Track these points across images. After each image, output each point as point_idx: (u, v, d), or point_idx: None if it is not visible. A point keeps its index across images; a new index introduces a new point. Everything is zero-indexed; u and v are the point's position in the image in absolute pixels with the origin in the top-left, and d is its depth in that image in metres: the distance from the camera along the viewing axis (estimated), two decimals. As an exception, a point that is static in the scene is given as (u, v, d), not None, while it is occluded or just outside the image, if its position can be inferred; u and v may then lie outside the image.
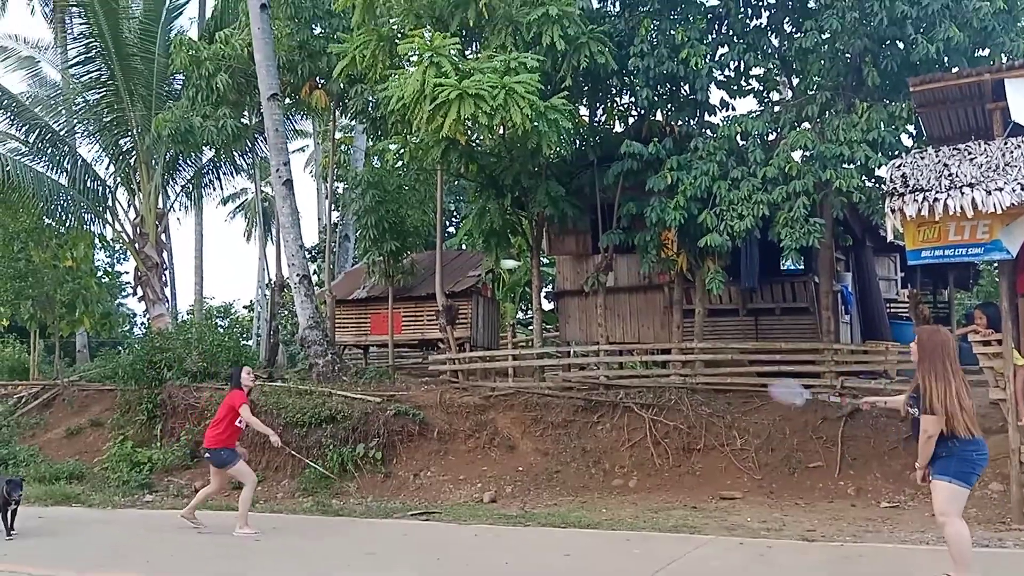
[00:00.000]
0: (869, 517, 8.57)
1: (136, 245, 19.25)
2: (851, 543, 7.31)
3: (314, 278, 18.57)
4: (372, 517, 9.81)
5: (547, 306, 18.83)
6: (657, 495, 10.14)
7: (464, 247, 20.32)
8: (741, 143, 11.76)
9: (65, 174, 19.61)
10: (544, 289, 17.82)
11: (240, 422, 8.69)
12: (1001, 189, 7.83)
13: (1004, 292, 8.37)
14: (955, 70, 10.11)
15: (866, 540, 7.46)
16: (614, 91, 13.64)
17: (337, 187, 20.76)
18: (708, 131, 12.43)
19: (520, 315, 23.68)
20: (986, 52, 10.84)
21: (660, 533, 8.12)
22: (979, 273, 19.64)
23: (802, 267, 11.18)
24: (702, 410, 11.14)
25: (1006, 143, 8.50)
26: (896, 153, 10.43)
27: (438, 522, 9.31)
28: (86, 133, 20.41)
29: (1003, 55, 10.50)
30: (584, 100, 13.62)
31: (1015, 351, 8.34)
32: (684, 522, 8.56)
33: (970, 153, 8.54)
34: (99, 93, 19.59)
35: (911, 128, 11.39)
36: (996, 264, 9.35)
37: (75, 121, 20.29)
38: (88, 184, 19.56)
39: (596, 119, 14.28)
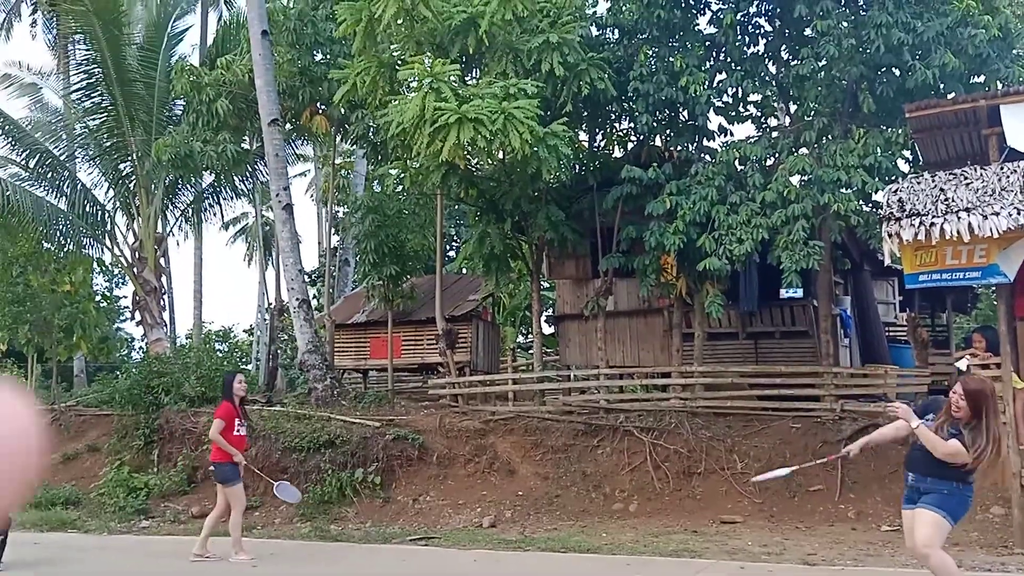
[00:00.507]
0: (870, 541, 8.54)
1: (135, 269, 19.28)
2: (852, 567, 7.29)
3: (314, 302, 18.57)
4: (371, 542, 9.75)
5: (547, 330, 18.81)
6: (657, 519, 10.08)
7: (464, 271, 20.35)
8: (740, 168, 11.86)
9: (64, 199, 19.71)
10: (544, 313, 17.84)
11: (238, 431, 8.47)
12: (998, 214, 7.90)
13: (1002, 315, 8.41)
14: (951, 96, 10.23)
15: (867, 564, 7.43)
16: (613, 117, 13.77)
17: (337, 211, 20.84)
18: (707, 156, 12.54)
19: (520, 339, 23.67)
20: (981, 79, 10.99)
21: (661, 557, 8.09)
22: (977, 297, 19.67)
23: (801, 292, 11.22)
24: (702, 434, 11.11)
25: (1002, 168, 8.58)
26: (893, 178, 10.50)
27: (437, 547, 9.26)
28: (86, 158, 20.55)
29: (998, 82, 10.63)
30: (583, 126, 13.75)
31: (1014, 374, 8.35)
32: (685, 546, 8.52)
33: (966, 178, 8.62)
34: (100, 119, 19.75)
35: (907, 153, 11.49)
36: (994, 288, 9.39)
37: (75, 146, 20.43)
38: (87, 209, 19.64)
39: (596, 144, 14.40)
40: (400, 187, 17.88)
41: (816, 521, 9.49)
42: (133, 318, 20.38)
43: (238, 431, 8.50)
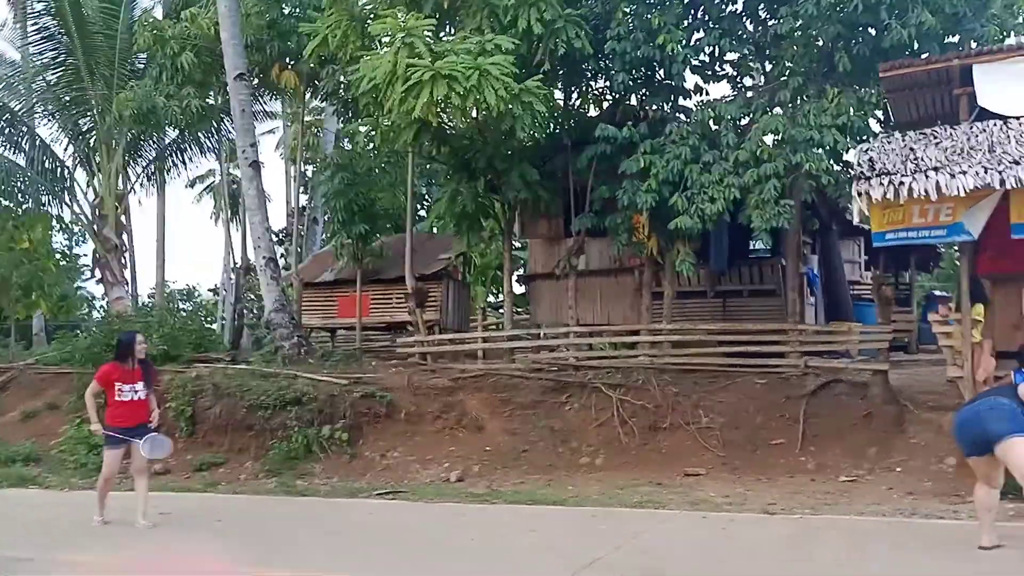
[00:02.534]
0: (828, 491, 8.66)
1: (95, 227, 18.87)
2: (809, 515, 7.41)
3: (282, 261, 18.39)
4: (337, 497, 9.70)
5: (518, 289, 18.79)
6: (623, 472, 10.13)
7: (435, 230, 20.22)
8: (714, 127, 11.79)
9: (23, 155, 19.20)
10: (515, 272, 17.79)
11: (120, 395, 7.75)
12: (965, 172, 7.99)
13: (964, 273, 8.54)
14: (925, 56, 10.24)
15: (823, 512, 7.57)
16: (589, 75, 13.62)
17: (306, 169, 20.56)
18: (682, 115, 12.51)
19: (491, 298, 23.65)
20: (956, 38, 10.98)
21: (625, 509, 8.15)
22: (940, 256, 20.12)
23: (770, 245, 11.26)
24: (669, 390, 11.17)
25: (971, 127, 8.68)
26: (864, 138, 10.55)
27: (404, 501, 9.23)
28: (45, 113, 20.00)
29: (973, 41, 10.66)
30: (559, 84, 13.59)
31: (974, 316, 8.56)
32: (649, 498, 8.59)
33: (936, 137, 8.72)
34: (58, 72, 19.21)
35: (879, 113, 11.52)
36: (957, 246, 9.52)
37: (34, 101, 19.85)
38: (46, 165, 19.17)
39: (571, 103, 14.27)
40: (371, 145, 17.65)
41: (777, 473, 9.59)
42: (93, 276, 20.04)
43: (121, 396, 7.77)
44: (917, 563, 5.65)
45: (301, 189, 19.63)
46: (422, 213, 23.65)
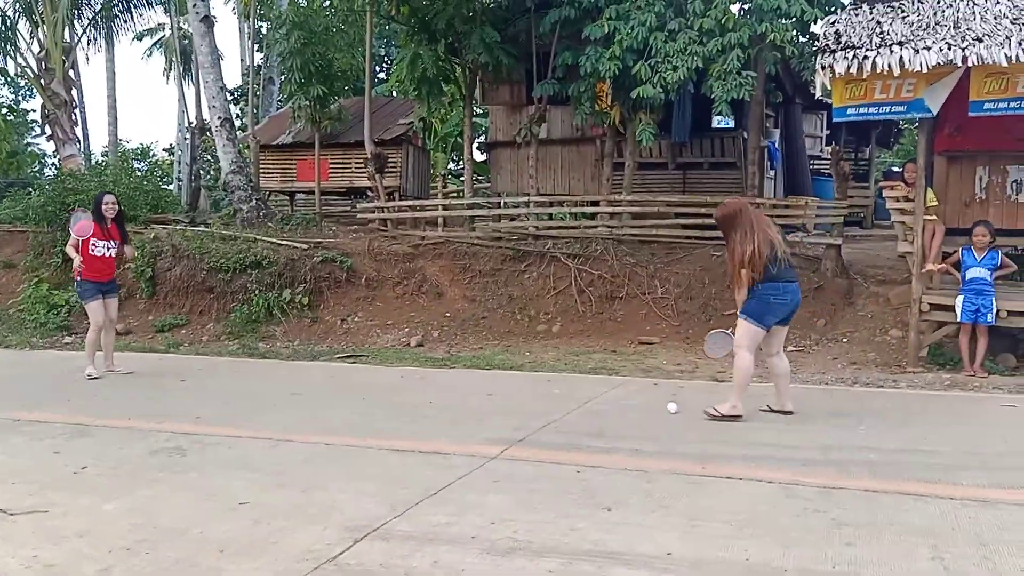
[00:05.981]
0: (777, 361, 9.04)
1: (42, 81, 18.00)
2: (756, 383, 7.72)
3: (237, 122, 17.81)
4: (298, 360, 9.87)
5: (479, 157, 18.59)
6: (579, 340, 10.44)
7: (395, 94, 19.62)
8: (681, -7, 11.44)
9: (-44, 2, 17.96)
10: (476, 140, 17.54)
11: (94, 251, 8.35)
12: (929, 48, 7.92)
13: (922, 149, 8.65)
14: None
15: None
16: (554, -69, 12.96)
17: (260, 27, 19.55)
18: (649, -21, 12.05)
19: (452, 166, 23.36)
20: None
21: (580, 375, 8.39)
22: (900, 132, 20.34)
23: (732, 122, 11.22)
24: (626, 260, 11.37)
25: (939, 2, 8.53)
26: (833, 9, 10.37)
27: (365, 365, 9.42)
28: (-19, -43, 18.58)
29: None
30: (523, -61, 12.95)
31: (930, 189, 8.78)
32: (603, 364, 8.88)
33: (903, 11, 8.59)
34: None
35: (850, -17, 11.24)
36: (917, 123, 9.60)
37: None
38: (-16, 15, 17.97)
39: (535, -39, 13.61)
40: (327, 2, 16.81)
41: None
42: (44, 133, 19.27)
43: (95, 251, 8.37)
44: (851, 428, 6.00)
45: (256, 47, 18.72)
46: (382, 76, 22.86)
